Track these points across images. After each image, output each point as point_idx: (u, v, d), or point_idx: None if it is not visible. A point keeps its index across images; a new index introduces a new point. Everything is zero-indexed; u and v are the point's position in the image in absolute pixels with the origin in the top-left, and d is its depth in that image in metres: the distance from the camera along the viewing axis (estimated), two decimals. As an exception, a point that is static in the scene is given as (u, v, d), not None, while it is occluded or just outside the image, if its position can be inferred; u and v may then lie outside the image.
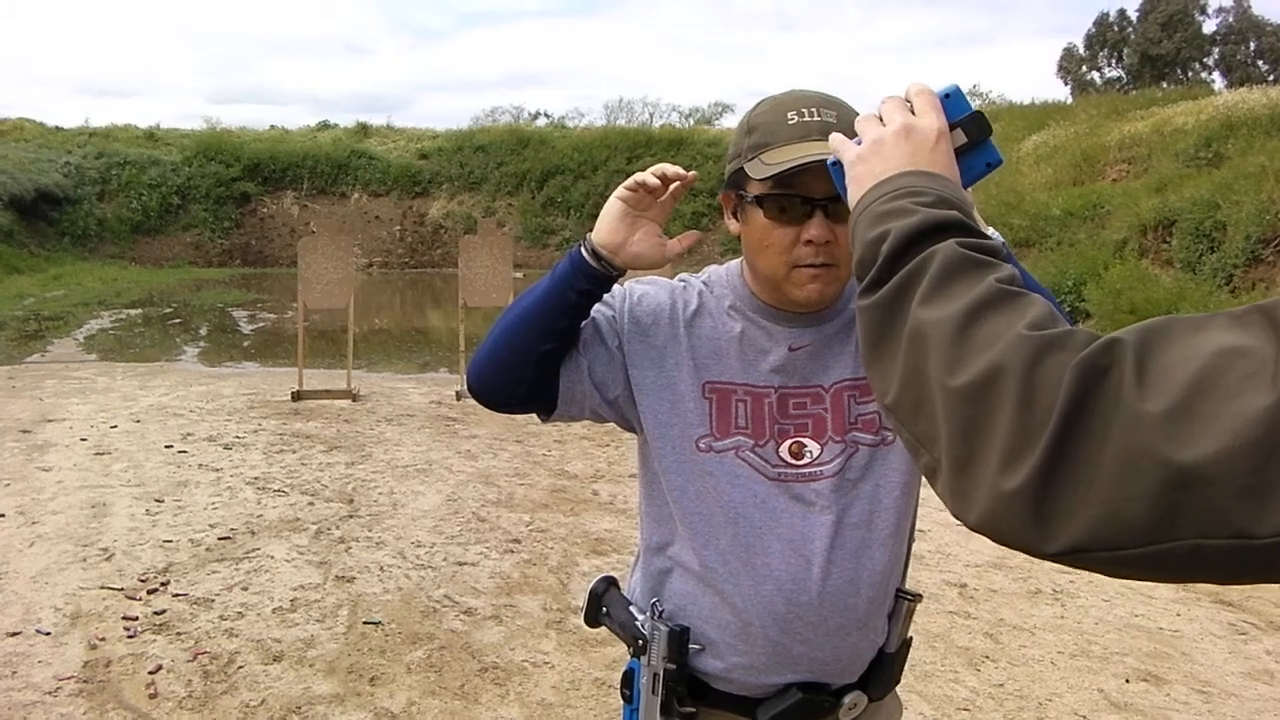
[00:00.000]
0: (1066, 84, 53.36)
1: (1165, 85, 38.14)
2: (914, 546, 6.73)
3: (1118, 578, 0.97)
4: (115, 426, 10.29)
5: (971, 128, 1.41)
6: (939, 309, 1.06)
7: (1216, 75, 51.00)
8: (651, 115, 53.40)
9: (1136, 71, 49.90)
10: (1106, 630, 5.71)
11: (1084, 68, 53.72)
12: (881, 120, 1.37)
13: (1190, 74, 49.85)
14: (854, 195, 1.32)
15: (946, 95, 1.41)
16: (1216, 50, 51.52)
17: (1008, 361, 0.97)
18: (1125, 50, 51.52)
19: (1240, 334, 0.88)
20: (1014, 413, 0.95)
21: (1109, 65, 53.46)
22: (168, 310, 23.24)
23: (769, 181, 1.85)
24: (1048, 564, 5.23)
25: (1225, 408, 0.83)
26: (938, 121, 1.36)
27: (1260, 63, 51.80)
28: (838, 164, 1.43)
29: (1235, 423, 0.82)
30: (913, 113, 1.36)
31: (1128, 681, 5.09)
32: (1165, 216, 17.74)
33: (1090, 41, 53.40)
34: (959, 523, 1.05)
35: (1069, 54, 54.42)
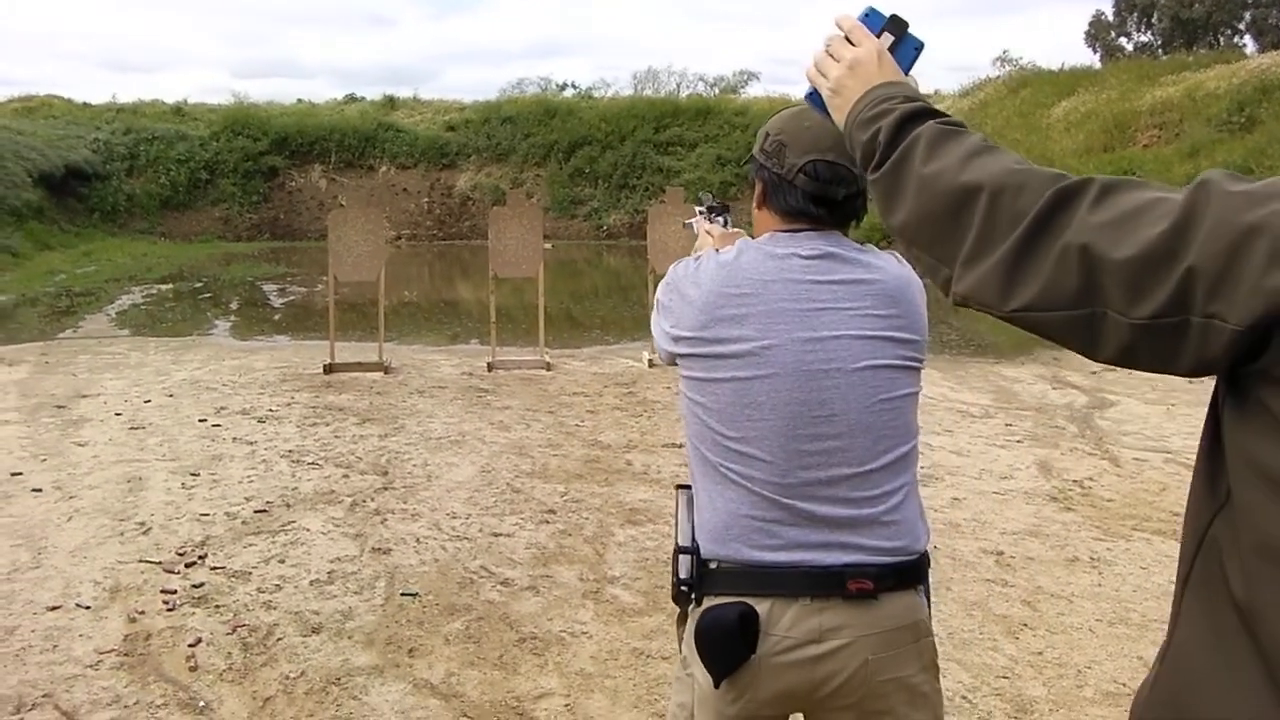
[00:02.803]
0: (1095, 50, 52.81)
1: (1196, 49, 37.65)
2: (950, 515, 6.67)
3: (1050, 340, 1.38)
4: (149, 401, 10.33)
5: (893, 28, 1.83)
6: (939, 162, 1.50)
7: (1248, 39, 50.43)
8: (679, 85, 53.12)
9: (1168, 35, 49.37)
10: (1145, 598, 5.68)
11: (1112, 33, 53.17)
12: (834, 58, 1.80)
13: (1222, 38, 49.28)
14: (840, 118, 1.77)
15: (866, 15, 1.84)
16: (1248, 14, 50.90)
17: (1005, 182, 1.40)
18: (1155, 14, 50.95)
19: (1169, 193, 1.28)
20: (1008, 216, 1.38)
21: (1138, 30, 52.92)
22: (198, 285, 23.29)
23: None
24: (1084, 533, 5.21)
25: (1141, 230, 1.25)
26: (873, 43, 1.79)
27: (1293, 26, 51.20)
28: (813, 93, 1.87)
29: (1141, 239, 1.24)
30: (851, 43, 1.80)
31: (1167, 649, 5.07)
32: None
33: (1119, 6, 52.86)
34: (946, 299, 1.51)
35: (1097, 20, 53.89)
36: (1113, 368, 10.81)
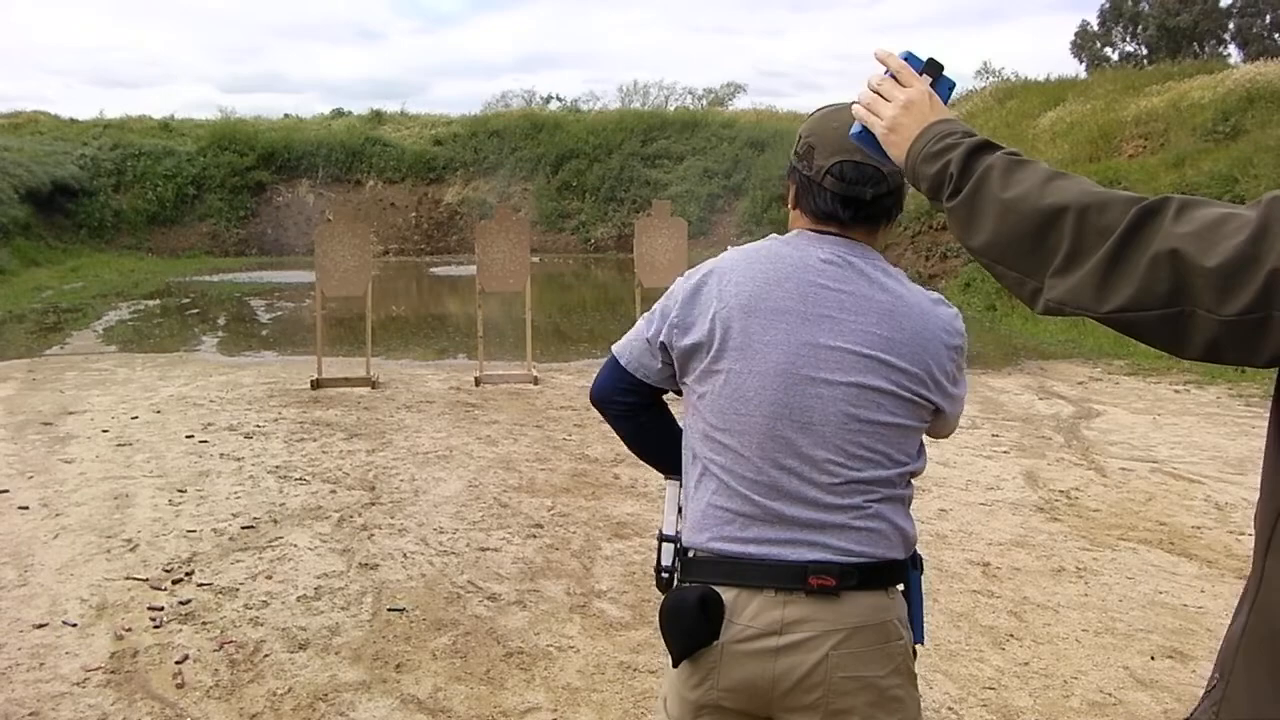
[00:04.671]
0: (1081, 60, 52.98)
1: (1181, 59, 37.73)
2: (937, 526, 6.70)
3: (1139, 339, 1.55)
4: (136, 417, 10.32)
5: (931, 70, 2.02)
6: (1018, 188, 1.67)
7: (1233, 48, 50.60)
8: (667, 98, 53.32)
9: (1154, 44, 49.52)
10: (1131, 608, 5.70)
11: (1098, 43, 53.34)
12: (884, 97, 1.99)
13: (1207, 48, 49.44)
14: (898, 154, 1.94)
15: (906, 57, 2.02)
16: (1232, 23, 51.11)
17: (1089, 202, 1.58)
18: (1141, 24, 51.13)
19: (1236, 209, 1.47)
20: (1096, 231, 1.55)
21: (1123, 40, 53.10)
22: (185, 300, 23.26)
23: None
24: (1071, 543, 5.23)
25: (1224, 239, 1.42)
26: (922, 84, 1.98)
27: (1278, 36, 51.31)
28: (863, 132, 2.03)
29: (1226, 247, 1.42)
30: (899, 83, 1.99)
31: (1153, 659, 5.09)
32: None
33: (1104, 16, 53.05)
34: (1034, 311, 1.69)
35: (1083, 30, 54.09)
36: (1100, 379, 10.81)
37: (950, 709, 4.59)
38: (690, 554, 2.34)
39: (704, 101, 51.81)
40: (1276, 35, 51.58)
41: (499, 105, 47.60)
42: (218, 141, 37.24)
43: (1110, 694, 4.73)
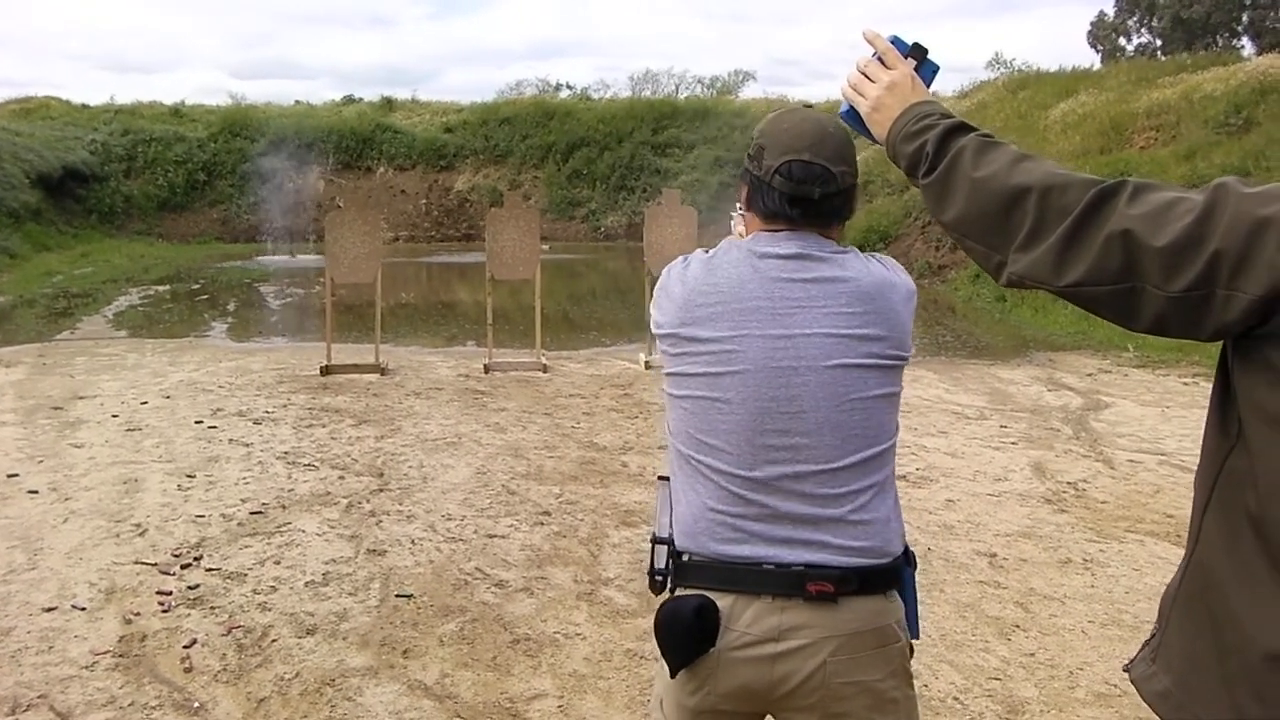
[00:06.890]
0: (1097, 51, 52.71)
1: (1194, 51, 37.49)
2: (944, 516, 6.70)
3: (1093, 312, 1.71)
4: (146, 403, 10.34)
5: (916, 53, 2.15)
6: (988, 168, 1.82)
7: (1245, 40, 50.32)
8: (677, 86, 53.20)
9: (1168, 35, 49.26)
10: (1137, 599, 5.70)
11: (1114, 34, 53.06)
12: (869, 78, 2.14)
13: (1220, 39, 49.20)
14: (881, 132, 2.10)
15: (894, 41, 2.15)
16: (1246, 15, 50.82)
17: (1051, 183, 1.73)
18: (1156, 14, 50.84)
19: (1187, 193, 1.60)
20: (1056, 210, 1.70)
21: (1138, 32, 52.83)
22: (195, 286, 23.28)
23: None
24: (1078, 535, 5.22)
25: (1173, 221, 1.56)
26: (906, 66, 2.12)
27: (1291, 27, 51.02)
28: (850, 111, 2.19)
29: (1175, 229, 1.56)
30: (884, 65, 2.13)
31: (1159, 650, 5.08)
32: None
33: (1121, 5, 52.74)
34: (998, 284, 1.87)
35: (1100, 20, 53.81)
36: (1109, 370, 10.78)
37: (955, 699, 4.60)
38: (685, 558, 2.34)
39: (714, 90, 51.71)
40: (1290, 27, 51.32)
41: (512, 93, 47.52)
42: (229, 127, 37.24)
43: (1115, 685, 4.73)
